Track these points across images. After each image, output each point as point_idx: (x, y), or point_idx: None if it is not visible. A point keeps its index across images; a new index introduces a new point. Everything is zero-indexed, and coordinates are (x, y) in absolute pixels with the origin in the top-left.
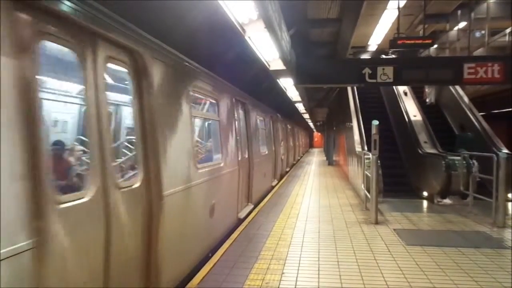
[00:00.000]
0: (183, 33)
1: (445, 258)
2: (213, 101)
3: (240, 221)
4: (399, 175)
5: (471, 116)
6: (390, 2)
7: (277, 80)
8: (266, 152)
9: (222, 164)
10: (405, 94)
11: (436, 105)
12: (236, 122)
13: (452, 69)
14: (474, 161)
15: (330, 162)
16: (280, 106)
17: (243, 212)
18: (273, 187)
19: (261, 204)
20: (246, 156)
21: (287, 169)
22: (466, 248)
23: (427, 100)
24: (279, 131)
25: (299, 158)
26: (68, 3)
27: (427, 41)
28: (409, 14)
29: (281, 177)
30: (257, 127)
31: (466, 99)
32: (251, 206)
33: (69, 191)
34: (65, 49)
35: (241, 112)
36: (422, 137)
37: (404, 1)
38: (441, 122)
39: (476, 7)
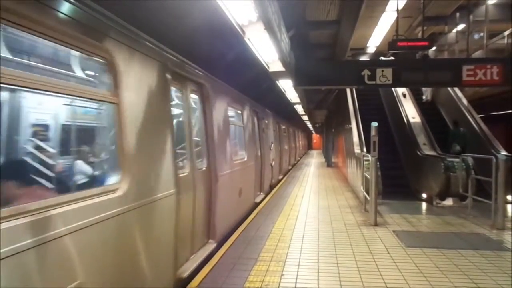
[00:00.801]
0: (183, 34)
1: (444, 260)
2: (101, 64)
3: (184, 281)
4: (398, 177)
5: (470, 118)
6: (389, 4)
7: (276, 82)
8: (245, 159)
9: (119, 193)
10: (404, 96)
11: (432, 102)
12: (178, 114)
13: (451, 71)
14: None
15: (329, 163)
16: (278, 107)
17: (190, 263)
18: (257, 204)
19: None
20: (203, 167)
21: (280, 177)
22: (465, 250)
23: (423, 97)
24: (269, 130)
25: (295, 162)
26: None
27: (425, 43)
28: (408, 16)
29: (272, 187)
30: (229, 125)
31: (464, 100)
32: (212, 245)
33: None
34: None
35: (191, 97)
36: (421, 139)
37: (403, 3)
38: (437, 119)
39: (474, 9)
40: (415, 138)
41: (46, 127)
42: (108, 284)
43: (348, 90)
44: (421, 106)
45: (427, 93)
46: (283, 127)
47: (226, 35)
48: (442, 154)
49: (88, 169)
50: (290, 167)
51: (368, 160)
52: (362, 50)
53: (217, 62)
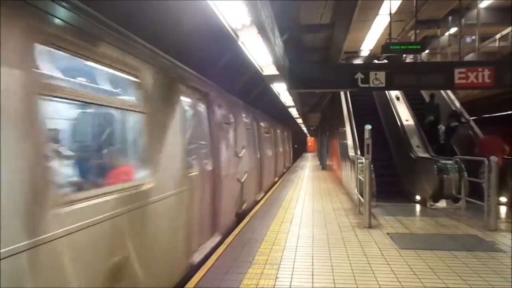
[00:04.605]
0: (176, 38)
1: (438, 261)
2: None
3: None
4: (392, 179)
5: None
6: (382, 8)
7: (271, 85)
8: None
9: None
10: (398, 98)
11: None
12: None
13: (443, 74)
14: (442, 126)
15: (323, 166)
16: (273, 111)
17: None
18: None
19: (255, 208)
20: None
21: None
22: (459, 252)
23: None
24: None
25: (284, 171)
26: None
27: (418, 47)
28: (401, 20)
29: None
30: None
31: (457, 103)
32: None
33: None
34: None
35: None
36: (415, 141)
37: (396, 7)
38: (417, 97)
39: (466, 13)
40: (409, 140)
41: None
42: None
43: (342, 93)
44: (406, 92)
45: None
46: (263, 124)
47: (219, 39)
48: (435, 156)
49: None
50: (275, 180)
51: (362, 163)
52: (355, 53)
53: (211, 66)
